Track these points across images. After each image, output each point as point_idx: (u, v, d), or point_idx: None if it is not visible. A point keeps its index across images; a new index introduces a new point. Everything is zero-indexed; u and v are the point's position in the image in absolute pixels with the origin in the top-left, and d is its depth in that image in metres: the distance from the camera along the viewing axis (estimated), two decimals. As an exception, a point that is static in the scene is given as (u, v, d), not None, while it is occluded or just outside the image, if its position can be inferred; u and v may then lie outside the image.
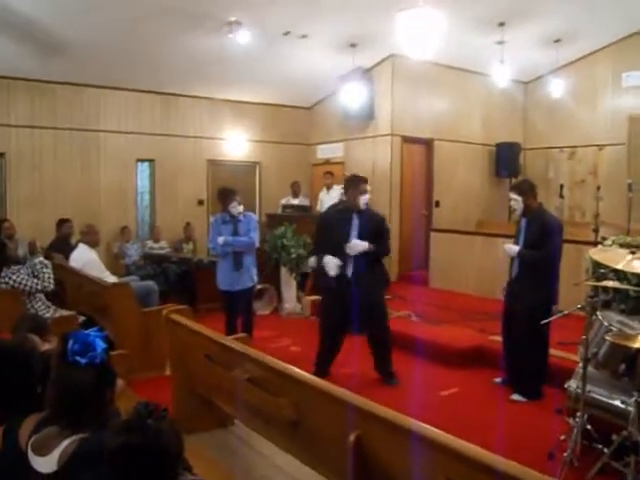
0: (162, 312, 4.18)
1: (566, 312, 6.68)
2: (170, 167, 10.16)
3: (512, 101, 11.51)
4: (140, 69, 8.85)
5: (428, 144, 10.48)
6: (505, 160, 10.97)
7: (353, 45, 8.92)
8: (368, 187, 5.29)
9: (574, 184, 10.80)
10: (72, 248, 6.87)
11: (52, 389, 1.95)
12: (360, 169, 9.86)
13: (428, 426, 2.10)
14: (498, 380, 5.29)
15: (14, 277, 5.45)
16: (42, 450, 1.86)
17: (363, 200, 5.23)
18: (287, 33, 8.23)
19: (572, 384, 3.92)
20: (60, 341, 1.97)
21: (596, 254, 4.45)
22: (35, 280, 5.51)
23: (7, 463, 1.98)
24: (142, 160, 9.99)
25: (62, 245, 7.43)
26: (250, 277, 6.14)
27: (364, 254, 5.17)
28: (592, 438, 3.63)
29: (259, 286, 6.78)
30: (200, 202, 10.54)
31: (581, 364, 3.78)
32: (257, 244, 6.26)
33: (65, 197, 9.11)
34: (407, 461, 2.18)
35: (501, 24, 8.62)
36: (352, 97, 9.59)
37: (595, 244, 5.75)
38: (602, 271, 4.77)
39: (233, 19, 7.51)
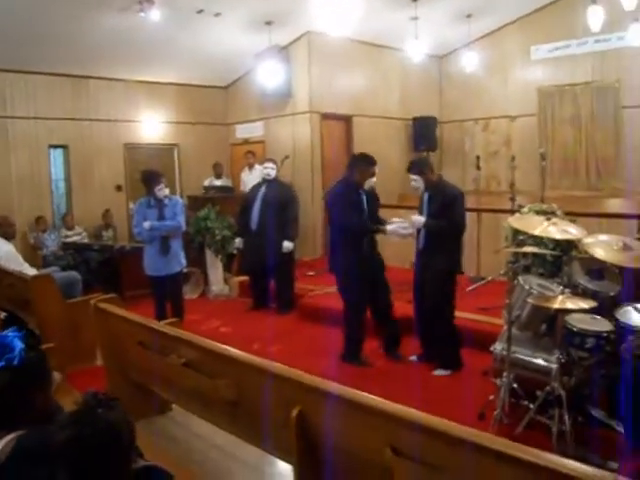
0: (89, 302, 4.07)
1: (489, 278, 6.99)
2: (85, 152, 9.80)
3: (428, 75, 11.75)
4: (49, 51, 8.44)
5: (347, 120, 10.55)
6: (422, 134, 11.19)
7: (269, 23, 8.83)
8: (376, 170, 5.21)
9: (489, 155, 11.16)
10: (-15, 241, 6.56)
11: None
12: (281, 147, 9.90)
13: (370, 395, 2.16)
14: (413, 358, 5.32)
15: None
16: (-22, 451, 1.80)
17: (369, 183, 5.16)
18: (200, 11, 8.05)
19: (497, 346, 4.09)
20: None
21: (514, 222, 4.62)
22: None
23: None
24: (55, 146, 9.60)
25: (-26, 239, 7.08)
26: (178, 261, 6.06)
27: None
28: (518, 396, 3.83)
29: (185, 270, 6.70)
30: (118, 187, 10.22)
31: (506, 327, 3.95)
32: (184, 227, 6.19)
33: (-26, 188, 8.68)
34: (350, 432, 2.23)
35: (414, 0, 8.75)
36: (269, 75, 9.51)
37: (512, 212, 5.97)
38: (521, 238, 4.97)
39: (144, -3, 7.29)
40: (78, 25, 7.76)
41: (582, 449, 3.39)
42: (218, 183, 10.00)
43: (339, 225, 5.20)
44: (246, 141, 11.15)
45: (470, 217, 7.55)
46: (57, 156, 9.72)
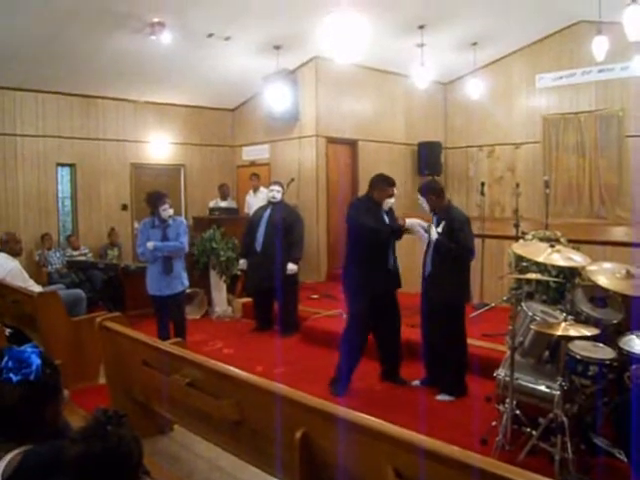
0: (94, 320, 4.09)
1: (492, 305, 6.99)
2: (92, 171, 9.89)
3: (433, 102, 11.86)
4: (59, 70, 8.56)
5: (352, 145, 10.64)
6: (427, 159, 11.28)
7: (277, 47, 8.96)
8: (395, 191, 5.25)
9: (493, 181, 11.23)
10: (-9, 258, 6.60)
11: None
12: (286, 170, 9.99)
13: (373, 418, 2.17)
14: (416, 382, 5.30)
15: None
16: (-15, 464, 1.82)
17: (387, 203, 5.18)
18: (211, 35, 8.18)
19: (500, 372, 4.10)
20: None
21: (518, 248, 4.65)
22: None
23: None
24: (62, 165, 9.68)
25: (-20, 255, 7.12)
26: (180, 282, 6.06)
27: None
28: (521, 422, 3.82)
29: (189, 290, 6.72)
30: (124, 207, 10.30)
31: (509, 353, 3.96)
32: (187, 249, 6.22)
33: (-19, 205, 8.76)
34: (354, 454, 2.24)
35: (421, 27, 8.88)
36: (276, 99, 9.63)
37: (516, 239, 6.00)
38: (524, 264, 4.99)
39: (156, 20, 7.40)
40: (89, 46, 7.88)
41: (584, 477, 3.38)
42: (223, 204, 10.05)
43: (357, 230, 5.11)
44: (252, 163, 11.23)
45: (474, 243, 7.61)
46: (64, 174, 9.80)
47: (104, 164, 10.01)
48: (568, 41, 10.14)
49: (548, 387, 3.79)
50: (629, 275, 3.96)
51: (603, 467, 3.50)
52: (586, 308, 4.11)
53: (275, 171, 10.57)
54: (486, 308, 7.08)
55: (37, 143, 9.29)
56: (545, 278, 4.54)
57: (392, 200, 5.22)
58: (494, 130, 11.37)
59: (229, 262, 8.04)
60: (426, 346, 5.21)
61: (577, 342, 3.71)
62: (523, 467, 1.85)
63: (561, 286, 4.83)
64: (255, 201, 9.31)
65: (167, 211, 5.94)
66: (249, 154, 11.40)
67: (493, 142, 11.42)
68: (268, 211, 7.32)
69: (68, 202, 9.92)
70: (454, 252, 4.87)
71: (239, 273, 8.11)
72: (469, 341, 5.73)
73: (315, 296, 8.43)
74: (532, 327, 3.87)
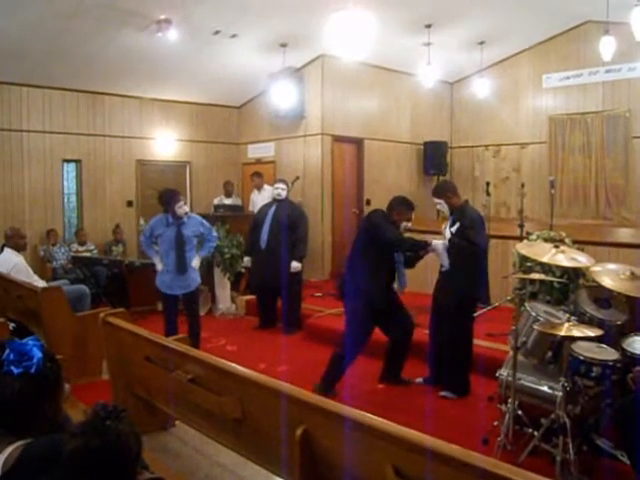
0: (97, 316, 4.09)
1: (496, 304, 6.99)
2: (97, 168, 9.91)
3: (439, 101, 11.85)
4: (66, 66, 8.59)
5: (358, 143, 10.63)
6: (432, 158, 11.26)
7: (283, 45, 8.96)
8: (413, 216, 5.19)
9: (499, 181, 11.21)
10: (-3, 252, 6.62)
11: None
12: (291, 168, 9.99)
13: (373, 416, 2.17)
14: (420, 380, 5.30)
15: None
16: (-15, 457, 1.83)
17: (404, 226, 5.09)
18: (217, 32, 8.19)
19: (503, 372, 4.09)
20: (-4, 350, 1.94)
21: (523, 248, 4.64)
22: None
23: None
24: (68, 161, 9.71)
25: (-15, 249, 7.15)
26: (194, 279, 6.04)
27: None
28: (523, 423, 3.82)
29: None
30: (129, 203, 10.32)
31: (511, 353, 3.95)
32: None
33: (-14, 200, 8.79)
34: (354, 452, 2.23)
35: (428, 26, 8.87)
36: (282, 96, 9.62)
37: (521, 239, 5.99)
38: (529, 264, 4.99)
39: (162, 17, 7.41)
40: (96, 43, 7.90)
41: (586, 479, 3.37)
42: (228, 202, 10.06)
43: (384, 241, 4.93)
44: (258, 161, 11.23)
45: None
46: (70, 170, 9.82)
47: (110, 160, 10.03)
48: (575, 41, 10.12)
49: (551, 388, 3.79)
50: (634, 276, 3.95)
51: (605, 469, 3.50)
52: (590, 309, 4.09)
53: (280, 169, 10.57)
54: (490, 308, 7.06)
55: (43, 139, 9.31)
56: (549, 278, 4.54)
57: (409, 224, 5.17)
58: (500, 130, 11.35)
59: (233, 259, 8.04)
60: (433, 345, 5.20)
61: (580, 343, 3.70)
62: (524, 468, 1.85)
63: (565, 287, 4.83)
64: (260, 199, 9.30)
65: (183, 208, 5.90)
66: (254, 152, 11.40)
67: (499, 142, 11.40)
68: (273, 209, 7.32)
69: (73, 198, 9.94)
70: (466, 250, 4.79)
71: (243, 270, 8.12)
72: (473, 340, 5.75)
73: (319, 294, 8.43)
74: (535, 327, 3.87)
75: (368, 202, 10.61)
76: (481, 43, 9.99)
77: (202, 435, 3.40)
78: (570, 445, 3.42)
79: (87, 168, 9.82)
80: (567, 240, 5.47)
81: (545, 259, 4.09)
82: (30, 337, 2.03)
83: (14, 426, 1.86)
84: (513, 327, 3.92)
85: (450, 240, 4.89)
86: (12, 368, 1.88)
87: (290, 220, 7.18)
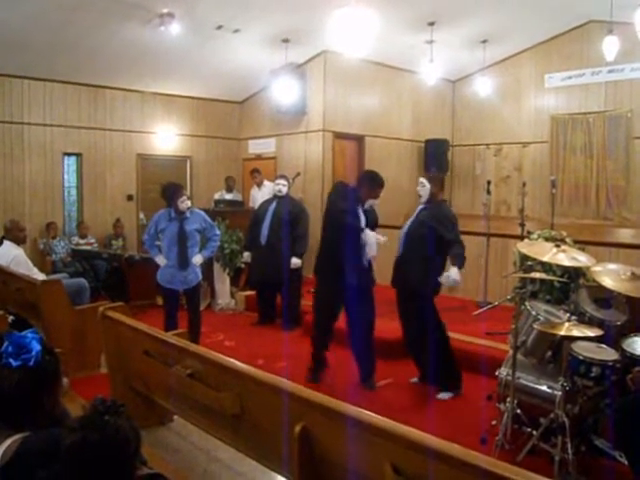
0: (96, 309, 4.08)
1: (496, 303, 6.98)
2: (98, 161, 9.90)
3: (441, 99, 11.83)
4: (68, 60, 8.57)
5: (359, 140, 10.61)
6: (434, 156, 11.23)
7: (286, 40, 8.94)
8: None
9: (500, 180, 11.19)
10: (-4, 245, 6.62)
11: None
12: (292, 164, 9.97)
13: (372, 414, 2.16)
14: (415, 380, 5.27)
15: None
16: (-17, 449, 1.82)
17: (370, 202, 5.04)
18: (220, 27, 8.17)
19: (502, 371, 4.09)
20: (-6, 342, 1.94)
21: (524, 247, 4.63)
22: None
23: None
24: (69, 154, 9.70)
25: (-15, 242, 7.15)
26: (195, 275, 5.99)
27: None
28: (522, 422, 3.82)
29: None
30: (129, 197, 10.31)
31: (511, 352, 3.94)
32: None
33: (-14, 192, 8.79)
34: (352, 449, 2.23)
35: (431, 24, 8.85)
36: (284, 92, 9.61)
37: (522, 238, 5.98)
38: (529, 263, 4.97)
39: (165, 11, 7.40)
40: (98, 36, 7.88)
41: (584, 479, 3.37)
42: (229, 197, 10.05)
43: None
44: (258, 156, 11.22)
45: (479, 241, 7.59)
46: (71, 164, 9.82)
47: (110, 154, 10.02)
48: (578, 41, 10.08)
49: (550, 387, 3.79)
50: (634, 277, 3.94)
51: (603, 469, 3.50)
52: (590, 309, 4.09)
53: (281, 165, 10.55)
54: (489, 306, 7.06)
55: (44, 132, 9.30)
56: (550, 278, 4.53)
57: (377, 201, 5.10)
58: (502, 129, 11.32)
59: (233, 255, 8.03)
60: (406, 342, 5.16)
61: (580, 343, 3.70)
62: (522, 467, 1.84)
63: (565, 286, 4.82)
64: (260, 195, 9.29)
65: (185, 203, 5.83)
66: (255, 147, 11.38)
67: (500, 141, 11.38)
68: (274, 205, 7.31)
69: (74, 191, 9.93)
70: (460, 251, 4.75)
71: (243, 266, 8.11)
72: (471, 339, 5.76)
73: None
74: (535, 326, 3.86)
75: (368, 199, 10.57)
76: (484, 42, 9.97)
77: (200, 430, 3.40)
78: (569, 445, 3.42)
79: (88, 161, 9.81)
80: (568, 240, 5.47)
81: (546, 258, 4.08)
82: (29, 330, 2.03)
83: (12, 419, 1.86)
84: (513, 326, 3.91)
85: (455, 258, 4.75)
86: (11, 361, 1.87)
87: (291, 216, 7.17)
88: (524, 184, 7.48)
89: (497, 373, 4.13)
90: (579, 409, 3.63)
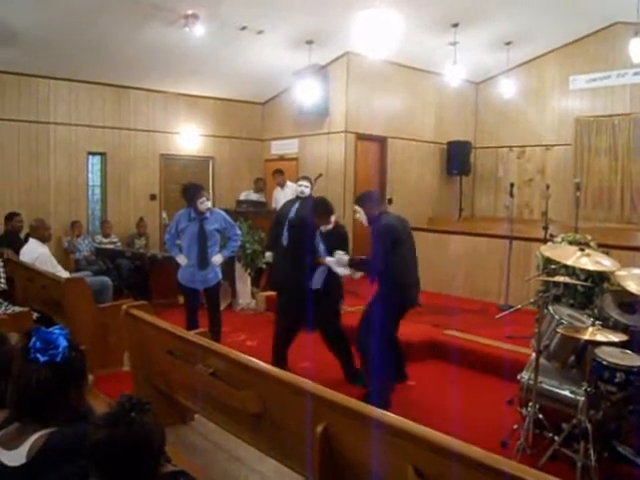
0: (120, 307, 4.12)
1: (518, 307, 6.92)
2: (122, 161, 10.01)
3: (464, 101, 11.77)
4: (93, 60, 8.68)
5: (382, 142, 10.60)
6: (456, 158, 11.20)
7: (309, 42, 8.97)
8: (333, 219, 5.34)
9: (523, 182, 11.10)
10: (22, 243, 6.72)
11: (12, 386, 1.94)
12: (314, 165, 9.98)
13: (394, 415, 2.16)
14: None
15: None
16: (10, 444, 1.85)
17: (324, 227, 5.30)
18: (244, 28, 8.21)
19: (524, 375, 4.06)
20: (22, 338, 1.96)
21: (547, 251, 4.59)
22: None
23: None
24: (93, 153, 9.81)
25: (11, 240, 7.26)
26: (215, 274, 6.03)
27: None
28: (543, 427, 3.78)
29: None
30: (152, 197, 10.41)
31: (534, 356, 3.91)
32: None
33: (13, 190, 8.90)
34: (374, 450, 2.23)
35: (455, 25, 8.81)
36: (307, 93, 9.63)
37: (545, 241, 5.93)
38: (553, 267, 4.91)
39: (190, 12, 7.46)
40: (122, 36, 7.97)
41: (606, 485, 3.34)
42: (254, 197, 10.07)
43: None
44: (281, 157, 11.25)
45: (501, 244, 7.55)
46: (95, 163, 9.94)
47: (134, 154, 10.12)
48: (604, 42, 9.98)
49: (573, 392, 3.75)
50: (660, 282, 3.89)
51: (626, 476, 3.46)
52: (614, 314, 4.04)
53: (303, 166, 10.58)
54: (511, 310, 6.98)
55: (69, 131, 9.43)
56: (573, 281, 4.49)
57: (330, 226, 5.28)
58: (525, 131, 11.23)
59: (255, 255, 8.06)
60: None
61: (604, 348, 3.65)
62: (544, 472, 1.83)
63: (589, 290, 4.78)
64: (282, 196, 9.30)
65: (205, 204, 5.85)
66: (278, 148, 11.42)
67: (524, 143, 11.29)
68: (296, 205, 7.31)
69: (98, 190, 10.05)
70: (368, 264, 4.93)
71: (264, 266, 8.13)
72: (493, 342, 5.72)
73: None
74: (559, 331, 3.82)
75: (390, 201, 10.57)
76: (508, 43, 9.91)
77: (221, 429, 3.41)
78: (591, 451, 3.38)
79: (112, 161, 9.92)
80: (592, 243, 5.41)
81: (570, 262, 4.05)
82: (55, 326, 2.05)
83: (39, 414, 1.88)
84: (536, 330, 3.88)
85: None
86: (38, 356, 1.89)
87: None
88: (548, 186, 7.41)
89: (519, 377, 4.09)
90: (602, 415, 3.59)
